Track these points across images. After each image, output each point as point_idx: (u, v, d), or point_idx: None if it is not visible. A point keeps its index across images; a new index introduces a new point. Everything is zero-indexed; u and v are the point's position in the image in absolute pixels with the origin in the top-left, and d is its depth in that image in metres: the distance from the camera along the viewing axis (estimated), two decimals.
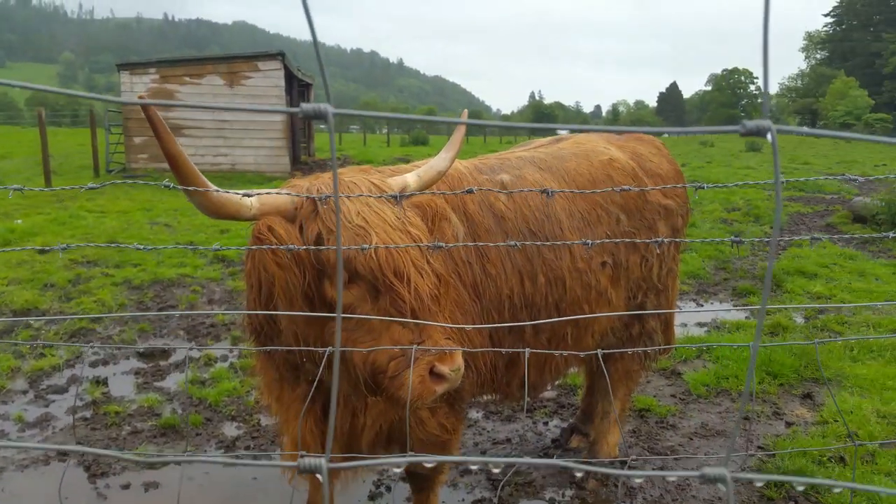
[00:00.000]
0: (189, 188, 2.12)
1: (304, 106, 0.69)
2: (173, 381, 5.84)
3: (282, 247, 2.28)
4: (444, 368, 2.28)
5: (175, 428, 5.00)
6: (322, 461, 0.71)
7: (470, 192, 2.52)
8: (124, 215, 13.32)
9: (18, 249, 2.28)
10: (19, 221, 12.06)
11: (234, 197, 2.30)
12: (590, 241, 2.23)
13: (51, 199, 15.28)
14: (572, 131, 3.98)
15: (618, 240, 2.72)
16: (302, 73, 26.28)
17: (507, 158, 3.74)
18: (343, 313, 2.40)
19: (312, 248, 2.35)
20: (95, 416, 5.15)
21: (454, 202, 3.24)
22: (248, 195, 2.34)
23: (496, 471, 4.21)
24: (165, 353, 6.49)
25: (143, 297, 8.15)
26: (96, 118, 22.51)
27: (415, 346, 2.28)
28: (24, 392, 5.54)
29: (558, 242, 2.85)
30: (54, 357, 6.18)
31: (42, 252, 8.52)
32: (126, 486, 4.26)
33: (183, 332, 7.08)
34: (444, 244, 2.45)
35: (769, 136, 0.68)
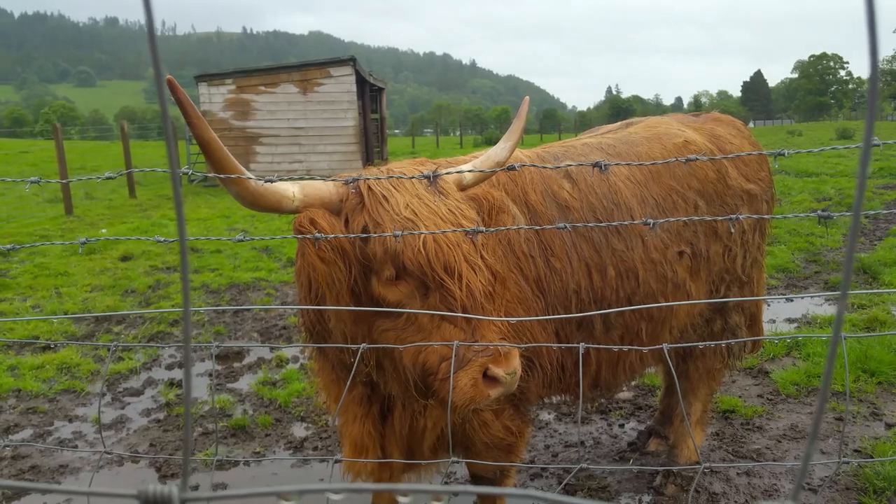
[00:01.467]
0: (223, 176, 2.02)
1: None
2: (245, 383, 5.87)
3: (312, 236, 2.15)
4: (498, 371, 2.10)
5: (245, 429, 5.00)
6: (174, 489, 0.57)
7: (512, 168, 2.33)
8: (204, 222, 13.68)
9: (37, 245, 2.24)
10: (104, 231, 12.54)
11: (273, 186, 2.18)
12: (651, 221, 2.00)
13: (135, 208, 15.87)
14: None
15: (684, 218, 2.47)
16: (374, 77, 26.53)
17: (573, 146, 3.53)
18: (391, 310, 2.26)
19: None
20: (168, 418, 5.21)
21: (514, 193, 3.06)
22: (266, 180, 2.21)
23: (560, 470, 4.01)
24: (239, 355, 6.55)
25: (220, 301, 8.28)
26: (177, 130, 23.33)
27: (457, 343, 2.10)
28: (103, 395, 5.67)
29: (615, 223, 2.63)
30: (132, 360, 6.31)
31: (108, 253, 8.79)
32: (195, 488, 4.26)
33: (257, 335, 7.14)
34: (484, 228, 2.26)
35: None
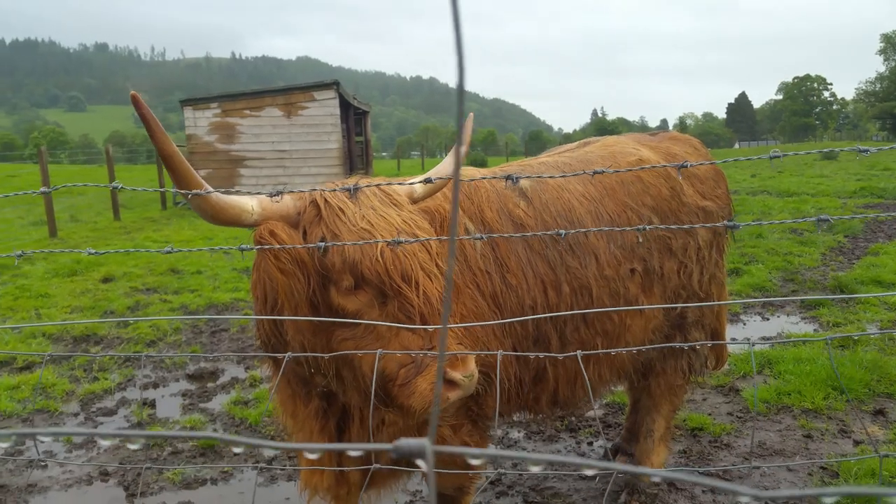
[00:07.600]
0: (185, 192, 2.10)
1: None
2: (218, 403, 5.87)
3: (267, 246, 2.20)
4: (456, 374, 2.19)
5: (214, 448, 4.99)
6: (426, 442, 0.63)
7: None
8: (186, 244, 13.69)
9: (5, 256, 2.28)
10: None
11: (234, 200, 2.26)
12: (593, 229, 2.07)
13: (119, 231, 15.86)
14: None
15: (615, 227, 2.52)
16: (358, 101, 26.68)
17: (529, 164, 3.61)
18: (351, 320, 2.33)
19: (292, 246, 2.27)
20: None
21: (471, 210, 3.13)
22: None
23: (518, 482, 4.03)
24: (214, 375, 6.55)
25: (198, 322, 8.28)
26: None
27: (393, 351, 2.17)
28: (76, 414, 5.66)
29: (553, 232, 2.69)
30: (107, 380, 6.31)
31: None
32: None
33: (234, 355, 7.14)
34: (419, 238, 2.35)
35: None
